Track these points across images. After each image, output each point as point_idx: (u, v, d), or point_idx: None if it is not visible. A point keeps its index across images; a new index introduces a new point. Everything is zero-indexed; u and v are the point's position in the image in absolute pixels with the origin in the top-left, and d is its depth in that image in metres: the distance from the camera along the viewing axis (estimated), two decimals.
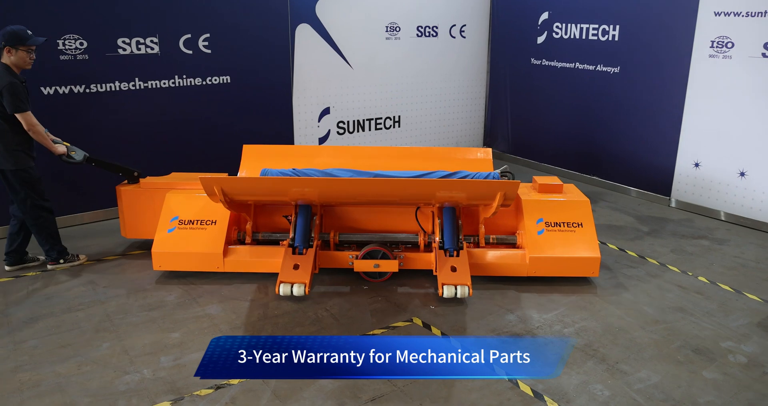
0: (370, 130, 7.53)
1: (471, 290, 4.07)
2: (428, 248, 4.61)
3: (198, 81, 6.02)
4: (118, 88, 5.64)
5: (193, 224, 4.60)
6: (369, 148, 5.36)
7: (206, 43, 5.93)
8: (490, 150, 5.19)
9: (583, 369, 3.46)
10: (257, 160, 5.02)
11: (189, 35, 5.82)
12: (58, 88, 5.38)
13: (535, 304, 4.20)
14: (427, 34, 7.56)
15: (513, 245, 4.65)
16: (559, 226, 4.51)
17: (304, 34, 6.64)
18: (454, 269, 4.19)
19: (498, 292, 4.35)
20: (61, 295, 4.39)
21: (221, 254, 4.50)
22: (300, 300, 4.26)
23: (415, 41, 7.50)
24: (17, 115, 4.33)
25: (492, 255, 4.51)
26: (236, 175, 5.03)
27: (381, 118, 7.57)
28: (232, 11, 6.03)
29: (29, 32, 4.35)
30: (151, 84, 5.79)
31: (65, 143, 4.74)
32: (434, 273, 4.38)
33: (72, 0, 5.28)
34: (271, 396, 3.20)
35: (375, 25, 7.15)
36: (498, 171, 4.85)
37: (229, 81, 6.19)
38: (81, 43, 5.36)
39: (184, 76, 5.93)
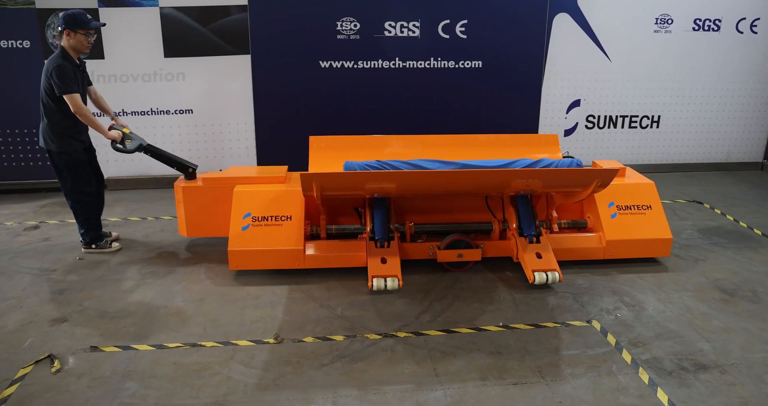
0: (623, 127, 7.08)
1: (561, 276, 4.13)
2: (502, 235, 4.63)
3: (451, 64, 6.41)
4: (380, 66, 6.36)
5: (267, 220, 4.43)
6: (436, 136, 5.03)
7: (463, 29, 6.27)
8: (557, 136, 5.04)
9: None
10: (326, 152, 4.84)
11: (448, 21, 6.23)
12: (333, 62, 6.30)
13: (742, 340, 3.62)
14: (706, 27, 6.74)
15: (584, 229, 4.69)
16: (630, 209, 4.60)
17: (562, 23, 6.52)
18: (539, 256, 4.26)
19: (701, 314, 3.86)
20: None
21: (302, 250, 4.39)
22: (490, 279, 4.39)
23: (690, 36, 6.75)
24: (65, 97, 4.36)
25: (569, 240, 4.58)
26: (306, 168, 4.83)
27: (637, 117, 7.05)
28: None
29: (89, 16, 4.45)
30: (409, 64, 6.38)
31: (125, 130, 4.74)
32: (515, 260, 4.46)
33: None
34: (425, 354, 3.45)
35: (643, 16, 6.64)
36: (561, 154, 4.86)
37: (480, 66, 6.46)
38: (355, 25, 6.17)
39: (439, 59, 6.38)
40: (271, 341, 3.63)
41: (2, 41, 5.99)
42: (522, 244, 4.36)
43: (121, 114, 6.34)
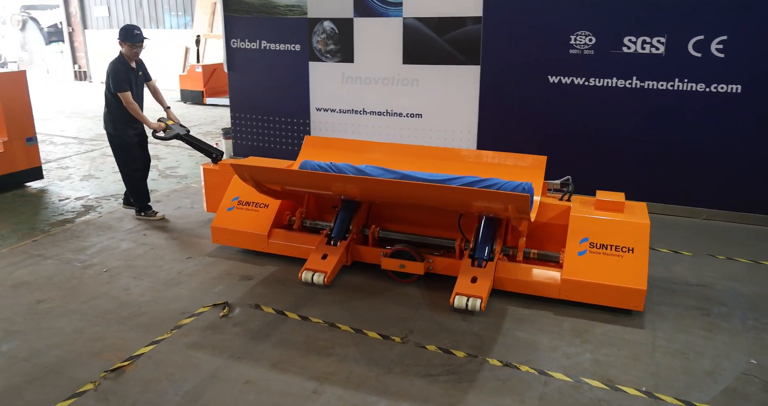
0: None
1: (484, 305, 3.89)
2: (463, 254, 4.36)
3: (700, 87, 5.56)
4: (614, 85, 5.84)
5: (249, 205, 4.96)
6: (420, 147, 5.21)
7: (720, 46, 5.38)
8: (544, 158, 4.69)
9: None
10: (317, 150, 5.26)
11: (701, 36, 5.40)
12: (562, 78, 6.01)
13: None
14: None
15: (555, 263, 4.26)
16: (605, 248, 4.07)
17: None
18: (474, 280, 4.03)
19: None
20: None
21: (266, 235, 4.81)
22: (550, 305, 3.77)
23: None
24: (118, 94, 5.34)
25: (522, 271, 4.23)
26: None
27: None
28: (765, 11, 5.21)
29: (136, 32, 5.37)
30: (648, 84, 5.73)
31: (169, 122, 5.62)
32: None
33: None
34: (537, 395, 3.16)
35: None
36: (558, 181, 4.67)
37: (738, 91, 5.45)
38: (590, 39, 5.78)
39: (686, 81, 5.59)
40: (397, 339, 3.73)
41: (281, 45, 7.17)
42: (465, 265, 4.17)
43: (361, 112, 7.05)
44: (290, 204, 5.04)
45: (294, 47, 7.11)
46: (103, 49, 17.91)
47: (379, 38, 6.67)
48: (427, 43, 6.47)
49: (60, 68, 18.80)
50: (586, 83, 5.94)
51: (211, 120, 11.63)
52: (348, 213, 4.62)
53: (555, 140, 6.17)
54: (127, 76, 5.42)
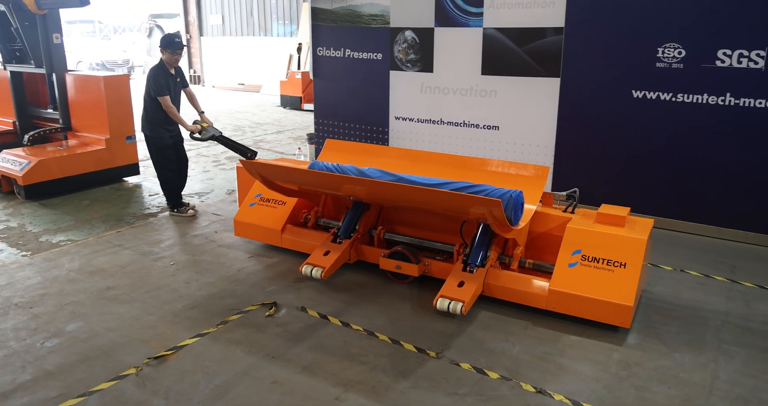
0: None
1: (465, 309, 3.91)
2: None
3: None
4: (704, 101, 5.41)
5: (269, 202, 5.23)
6: (430, 153, 5.35)
7: None
8: (547, 168, 4.71)
9: None
10: (334, 153, 5.42)
11: None
12: (647, 93, 5.65)
13: None
14: None
15: (550, 274, 4.15)
16: (597, 262, 4.00)
17: None
18: (461, 284, 4.09)
19: None
20: None
21: (280, 231, 5.06)
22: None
23: None
24: (158, 98, 5.67)
25: (511, 279, 4.22)
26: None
27: None
28: None
29: (176, 40, 5.75)
30: (744, 102, 5.24)
31: (204, 124, 5.94)
32: None
33: (678, 9, 5.33)
34: None
35: None
36: (564, 193, 4.60)
37: None
38: (679, 53, 5.38)
39: None
40: (432, 354, 3.67)
41: (364, 53, 7.31)
42: (456, 269, 4.23)
43: (438, 123, 7.02)
44: (304, 202, 5.27)
45: (376, 56, 7.22)
46: (216, 55, 19.14)
47: (458, 48, 6.61)
48: (507, 54, 6.32)
49: None
50: (674, 99, 5.54)
51: (305, 125, 12.04)
52: (356, 213, 4.81)
53: (637, 158, 5.82)
54: (167, 82, 5.79)
